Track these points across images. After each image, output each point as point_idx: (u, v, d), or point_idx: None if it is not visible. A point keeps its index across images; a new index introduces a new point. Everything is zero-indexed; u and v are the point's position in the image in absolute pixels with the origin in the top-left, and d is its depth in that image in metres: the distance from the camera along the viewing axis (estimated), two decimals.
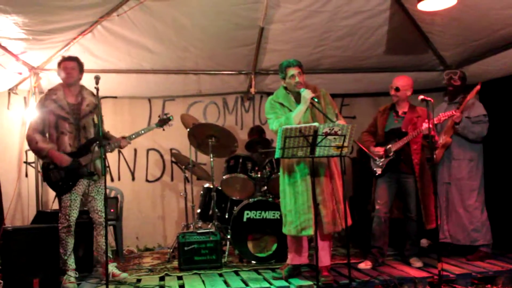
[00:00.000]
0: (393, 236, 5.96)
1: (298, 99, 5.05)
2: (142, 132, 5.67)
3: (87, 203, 5.41)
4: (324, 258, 5.02)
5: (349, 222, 4.98)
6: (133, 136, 5.60)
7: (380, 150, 5.71)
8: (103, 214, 5.36)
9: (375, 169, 5.78)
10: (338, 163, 5.16)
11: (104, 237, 5.40)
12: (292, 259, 5.23)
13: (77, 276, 5.26)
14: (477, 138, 5.80)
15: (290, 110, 5.03)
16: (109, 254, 5.49)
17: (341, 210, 4.94)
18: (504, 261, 5.64)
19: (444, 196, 6.01)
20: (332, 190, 4.99)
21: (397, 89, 5.71)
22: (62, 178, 5.18)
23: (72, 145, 5.24)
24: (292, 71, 5.03)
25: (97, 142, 5.23)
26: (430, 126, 5.11)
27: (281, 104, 5.11)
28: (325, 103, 5.12)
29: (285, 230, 5.08)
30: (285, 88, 5.17)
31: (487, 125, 5.80)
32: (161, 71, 7.07)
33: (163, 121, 5.89)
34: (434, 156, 5.87)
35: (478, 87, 5.59)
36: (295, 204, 4.95)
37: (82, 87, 5.48)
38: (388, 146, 5.66)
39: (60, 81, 5.41)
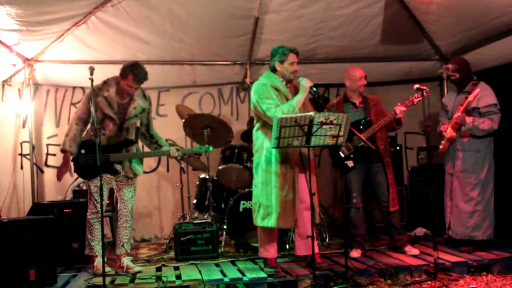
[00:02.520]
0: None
1: (291, 88, 5.06)
2: (190, 151, 5.89)
3: (116, 192, 5.55)
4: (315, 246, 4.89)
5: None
6: (185, 150, 5.77)
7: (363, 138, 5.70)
8: (129, 205, 5.48)
9: (345, 162, 5.67)
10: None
11: (126, 229, 5.47)
12: (273, 253, 5.13)
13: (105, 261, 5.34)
14: (487, 134, 5.62)
15: (287, 99, 4.98)
16: (125, 247, 5.50)
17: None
18: (500, 249, 5.66)
19: (448, 187, 5.92)
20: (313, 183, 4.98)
21: (366, 77, 5.81)
22: (88, 165, 5.25)
23: (105, 141, 5.30)
24: (294, 58, 5.02)
25: (132, 144, 5.44)
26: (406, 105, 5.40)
27: (278, 91, 5.01)
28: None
29: (272, 222, 4.89)
30: (274, 72, 5.10)
31: (499, 116, 5.56)
32: (156, 62, 7.02)
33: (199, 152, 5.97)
34: (440, 146, 5.86)
35: (477, 91, 5.49)
36: (286, 197, 4.87)
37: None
38: (354, 137, 5.63)
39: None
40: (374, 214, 6.75)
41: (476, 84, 5.63)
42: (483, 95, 5.59)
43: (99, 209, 5.24)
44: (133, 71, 5.22)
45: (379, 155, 5.71)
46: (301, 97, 4.92)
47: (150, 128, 5.64)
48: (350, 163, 5.69)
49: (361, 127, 5.68)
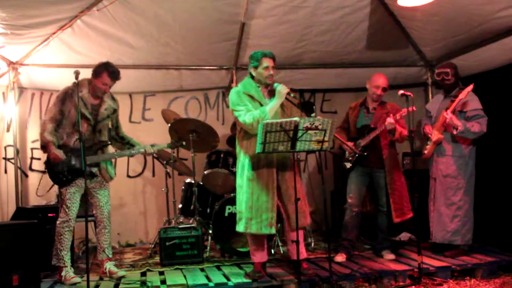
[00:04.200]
0: (369, 229, 6.08)
1: (270, 93, 5.00)
2: (164, 147, 5.88)
3: (90, 199, 5.39)
4: (300, 251, 4.84)
5: (308, 221, 5.08)
6: (160, 147, 5.73)
7: (350, 144, 5.75)
8: (106, 210, 5.41)
9: (344, 163, 5.86)
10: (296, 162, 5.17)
11: (105, 235, 5.42)
12: (260, 257, 5.10)
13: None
14: (478, 137, 5.61)
15: (261, 104, 4.92)
16: (106, 253, 5.44)
17: (304, 208, 5.01)
18: (483, 254, 5.71)
19: (432, 192, 5.92)
20: (296, 187, 4.91)
21: (385, 89, 5.74)
22: (63, 171, 5.16)
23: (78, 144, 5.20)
24: (267, 62, 4.94)
25: (106, 146, 5.42)
26: (395, 118, 5.33)
27: (251, 97, 4.97)
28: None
29: (241, 227, 4.93)
30: (252, 78, 5.05)
31: (486, 119, 5.57)
32: (142, 66, 7.04)
33: (175, 145, 5.98)
34: (425, 151, 5.88)
35: (470, 88, 5.46)
36: (257, 201, 4.84)
37: None
38: (358, 141, 5.73)
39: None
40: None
41: (463, 89, 5.62)
42: (469, 99, 5.61)
43: (70, 218, 5.19)
44: (107, 69, 5.24)
45: (382, 162, 5.71)
46: (275, 103, 4.84)
47: (120, 130, 5.65)
48: (347, 165, 5.81)
49: (366, 133, 5.72)
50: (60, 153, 5.13)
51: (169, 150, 6.45)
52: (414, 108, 5.36)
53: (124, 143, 5.65)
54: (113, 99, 5.53)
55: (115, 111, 5.50)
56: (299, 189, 4.92)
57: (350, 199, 5.79)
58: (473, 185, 5.77)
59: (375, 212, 5.95)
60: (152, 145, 5.61)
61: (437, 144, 5.80)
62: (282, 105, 4.98)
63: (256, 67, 4.99)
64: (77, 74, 4.76)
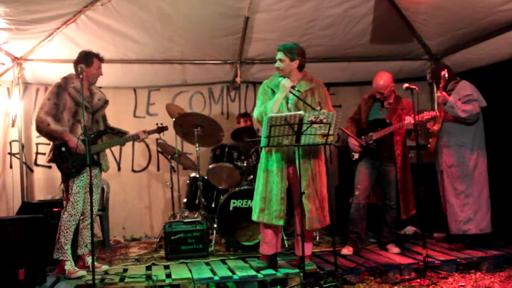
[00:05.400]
0: (374, 222, 6.07)
1: None
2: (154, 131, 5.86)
3: (85, 192, 5.37)
4: (306, 248, 4.84)
5: (328, 221, 4.99)
6: (151, 132, 5.76)
7: (358, 140, 5.74)
8: (96, 207, 5.42)
9: (352, 153, 5.87)
10: (324, 160, 5.13)
11: (89, 231, 5.37)
12: (267, 249, 5.13)
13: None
14: (470, 117, 5.59)
15: None
16: (88, 247, 5.44)
17: (325, 208, 4.97)
18: (488, 247, 5.70)
19: (441, 185, 5.92)
20: (318, 186, 4.94)
21: (381, 94, 5.74)
22: (72, 162, 5.16)
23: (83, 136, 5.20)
24: (277, 55, 5.01)
25: (103, 135, 5.46)
26: (413, 117, 5.26)
27: (273, 90, 5.04)
28: (319, 96, 5.05)
29: (255, 217, 5.01)
30: None
31: (478, 102, 5.61)
32: (146, 61, 7.04)
33: (162, 129, 5.94)
34: (429, 145, 5.91)
35: (444, 72, 5.53)
36: (270, 193, 4.92)
37: None
38: (369, 134, 5.72)
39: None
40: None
41: (458, 82, 5.73)
42: (460, 87, 5.70)
43: (78, 211, 5.20)
44: (94, 54, 5.35)
45: (392, 157, 5.71)
46: (278, 97, 4.88)
47: (107, 122, 5.68)
48: (355, 156, 5.83)
49: (379, 128, 5.71)
50: (79, 141, 5.15)
51: (173, 144, 6.46)
52: (436, 112, 5.53)
53: (114, 133, 5.68)
54: (101, 91, 5.57)
55: (106, 102, 5.55)
56: (318, 188, 4.95)
57: (358, 191, 5.79)
58: (483, 171, 5.74)
59: (379, 205, 5.95)
60: (144, 131, 5.66)
61: (436, 135, 5.83)
62: (296, 101, 4.98)
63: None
64: (81, 69, 4.76)
